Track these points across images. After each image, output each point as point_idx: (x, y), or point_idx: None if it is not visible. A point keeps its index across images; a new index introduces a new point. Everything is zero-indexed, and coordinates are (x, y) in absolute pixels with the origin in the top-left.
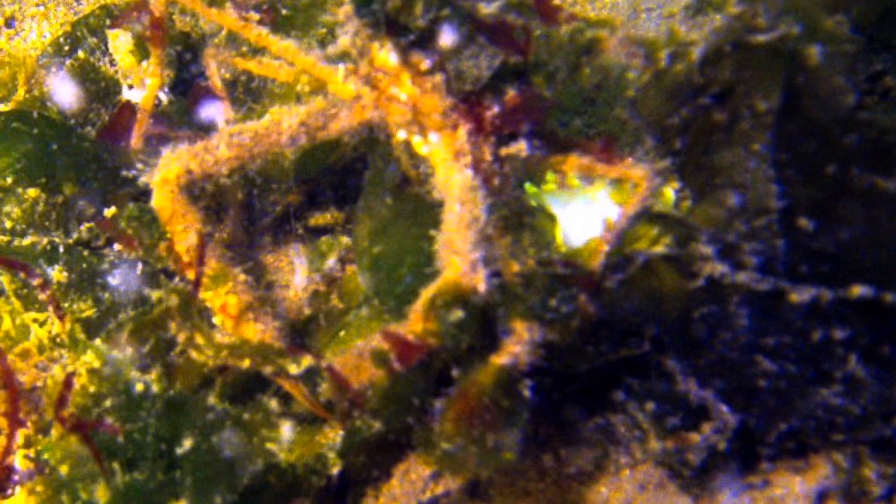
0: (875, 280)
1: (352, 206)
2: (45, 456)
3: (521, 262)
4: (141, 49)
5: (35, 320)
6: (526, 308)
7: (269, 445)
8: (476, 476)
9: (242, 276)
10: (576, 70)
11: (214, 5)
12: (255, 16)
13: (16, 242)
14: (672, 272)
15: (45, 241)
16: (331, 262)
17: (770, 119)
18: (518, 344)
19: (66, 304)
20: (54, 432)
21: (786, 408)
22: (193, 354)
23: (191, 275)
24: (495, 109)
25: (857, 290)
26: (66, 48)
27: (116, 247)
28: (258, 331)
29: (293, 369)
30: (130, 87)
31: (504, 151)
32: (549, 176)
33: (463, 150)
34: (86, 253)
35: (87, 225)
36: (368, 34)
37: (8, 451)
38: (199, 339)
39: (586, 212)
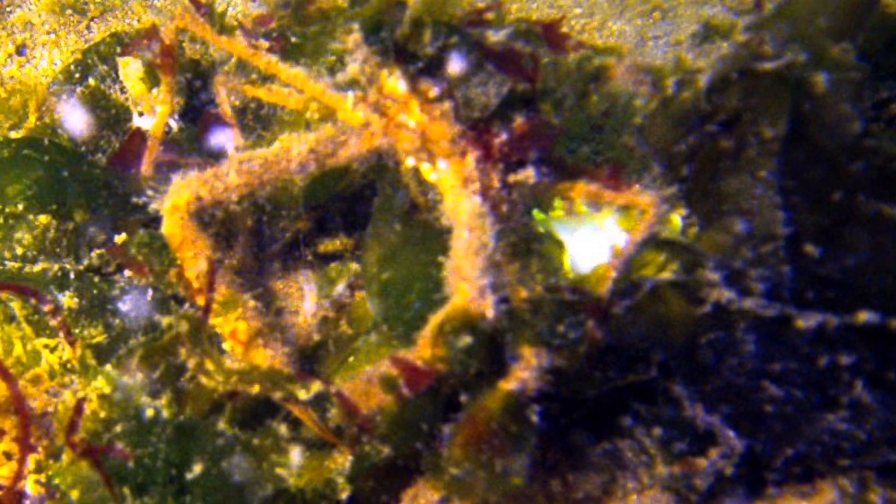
0: (881, 306)
1: (361, 233)
2: (56, 481)
3: (529, 288)
4: (151, 76)
5: (46, 346)
6: (534, 334)
7: (279, 470)
8: (484, 501)
9: (252, 302)
10: (583, 97)
11: (224, 33)
12: (265, 43)
13: (27, 269)
14: (679, 298)
15: (56, 267)
16: (340, 288)
17: (776, 146)
18: (526, 370)
19: (77, 330)
20: (65, 457)
21: (792, 433)
22: (203, 380)
23: (201, 301)
24: (503, 136)
25: (863, 317)
26: (77, 76)
27: (127, 273)
28: (268, 356)
29: (302, 395)
30: (141, 114)
31: (512, 178)
32: (557, 202)
33: (471, 177)
34: (96, 279)
35: (98, 251)
36: (377, 62)
37: (19, 476)
38: (209, 365)
39: (594, 238)
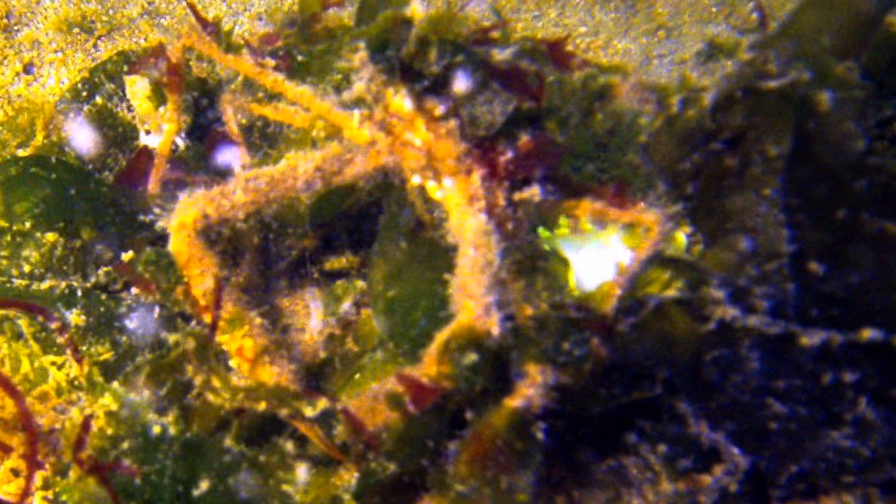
0: (885, 323)
1: (367, 251)
2: (64, 498)
3: (535, 305)
4: (158, 95)
5: (53, 363)
6: (539, 351)
7: (285, 487)
8: None
9: (258, 320)
10: (589, 115)
11: (231, 51)
12: (271, 62)
13: (34, 286)
14: (684, 316)
15: (64, 284)
16: (346, 305)
17: (781, 164)
18: (531, 387)
19: (84, 348)
20: (72, 474)
21: (796, 450)
22: (210, 397)
23: (207, 318)
24: (509, 155)
25: (867, 334)
26: (84, 94)
27: (134, 291)
28: (274, 374)
29: (309, 412)
30: (148, 132)
31: (517, 196)
32: (562, 220)
33: (477, 195)
34: (103, 297)
35: (105, 269)
36: (383, 80)
37: (27, 492)
38: (216, 382)
39: (599, 256)
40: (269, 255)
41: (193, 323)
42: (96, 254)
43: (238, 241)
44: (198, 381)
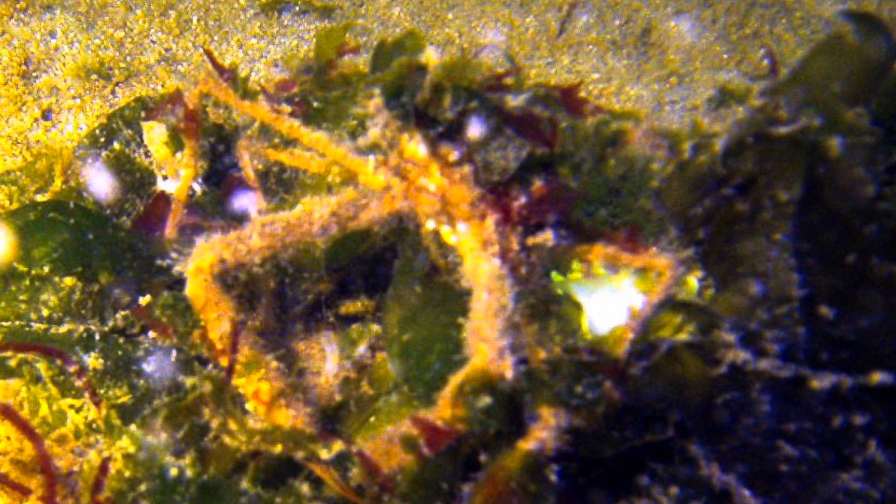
0: (894, 367)
1: (382, 295)
2: None
3: (548, 349)
4: (175, 141)
5: (72, 406)
6: (552, 394)
7: None
8: None
9: (275, 363)
10: (601, 161)
11: (247, 98)
12: (287, 108)
13: (53, 330)
14: (695, 359)
15: (82, 328)
16: (361, 349)
17: (791, 209)
18: (545, 429)
19: (102, 391)
20: None
21: (807, 492)
22: (227, 440)
23: (224, 362)
24: (522, 200)
25: (877, 377)
26: (102, 140)
27: (151, 334)
28: (290, 416)
29: (324, 454)
30: (165, 177)
31: (531, 241)
32: (575, 265)
33: (490, 240)
34: (121, 340)
35: (123, 313)
36: (398, 126)
37: None
38: (233, 425)
39: (611, 300)
40: (286, 300)
41: (210, 366)
42: (114, 298)
43: (254, 285)
44: (214, 424)
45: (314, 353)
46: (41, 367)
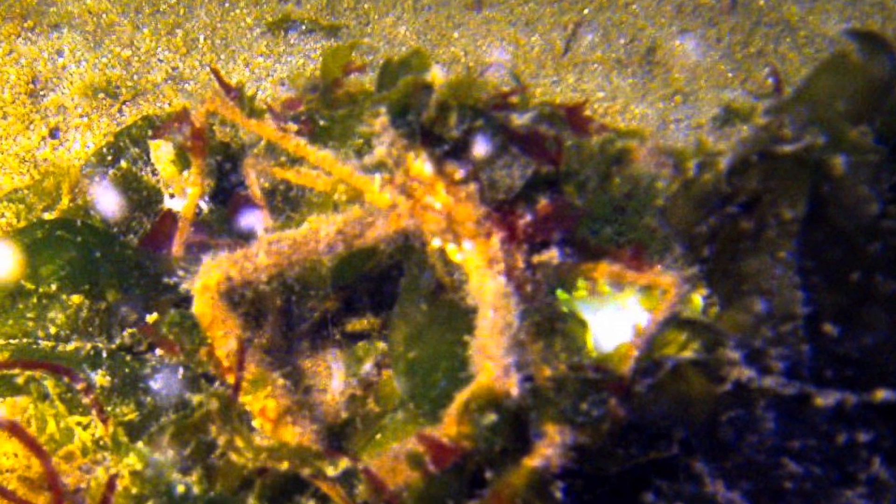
0: None
1: (388, 313)
2: None
3: (553, 366)
4: (182, 159)
5: (79, 423)
6: (558, 412)
7: None
8: None
9: (281, 381)
10: (606, 179)
11: (254, 116)
12: (294, 126)
13: (60, 348)
14: (700, 377)
15: (89, 346)
16: (367, 366)
17: (796, 227)
18: (550, 446)
19: (109, 408)
20: None
21: None
22: (233, 457)
23: (231, 379)
24: (528, 218)
25: (881, 395)
26: (109, 158)
27: (158, 352)
28: (296, 434)
29: (331, 471)
30: (172, 196)
31: (536, 259)
32: (581, 283)
33: (496, 258)
34: (128, 358)
35: (130, 330)
36: (404, 144)
37: None
38: (239, 442)
39: (616, 318)
40: (292, 317)
41: (217, 384)
42: (121, 315)
43: (261, 302)
44: (221, 441)
45: (320, 371)
46: (48, 384)
